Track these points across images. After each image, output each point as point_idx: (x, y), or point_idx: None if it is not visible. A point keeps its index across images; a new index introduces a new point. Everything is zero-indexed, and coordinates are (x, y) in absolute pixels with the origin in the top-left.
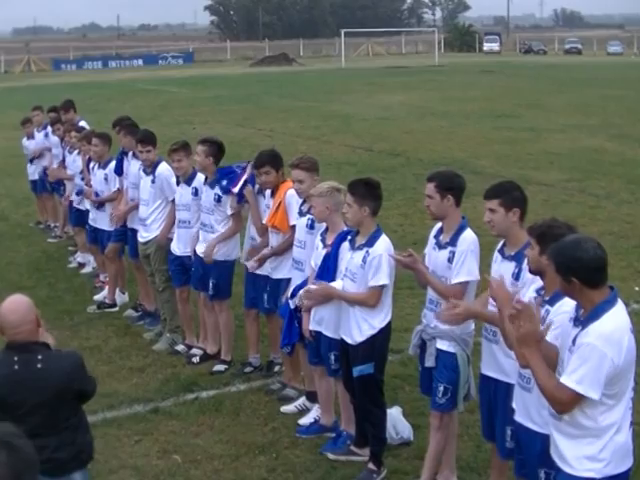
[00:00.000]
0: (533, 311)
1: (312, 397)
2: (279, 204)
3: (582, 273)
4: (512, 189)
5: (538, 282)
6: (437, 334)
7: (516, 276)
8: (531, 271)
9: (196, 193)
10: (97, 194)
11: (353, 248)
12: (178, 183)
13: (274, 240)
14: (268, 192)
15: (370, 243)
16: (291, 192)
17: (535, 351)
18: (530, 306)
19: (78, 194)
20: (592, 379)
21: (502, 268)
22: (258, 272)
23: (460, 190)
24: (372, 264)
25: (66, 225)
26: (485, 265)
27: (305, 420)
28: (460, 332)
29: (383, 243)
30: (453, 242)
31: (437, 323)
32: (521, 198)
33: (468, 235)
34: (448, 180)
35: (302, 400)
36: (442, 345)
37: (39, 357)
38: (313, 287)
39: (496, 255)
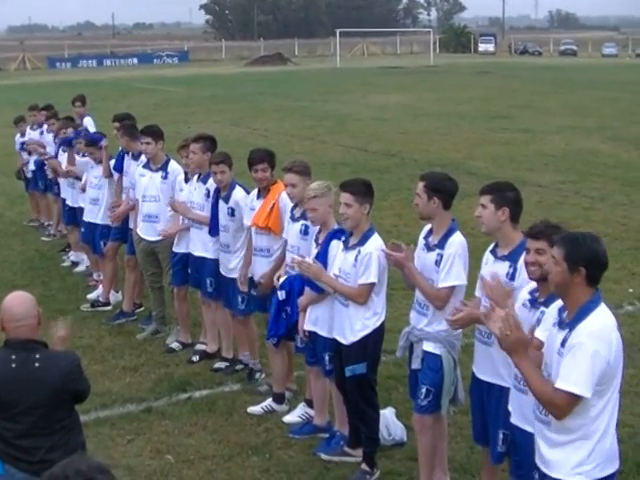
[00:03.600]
0: (517, 318)
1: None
2: (273, 205)
3: (592, 266)
4: (506, 188)
5: (532, 284)
6: (424, 336)
7: (511, 276)
8: (541, 277)
9: (209, 194)
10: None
11: (347, 248)
12: (187, 180)
13: (260, 241)
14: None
15: (362, 242)
16: (285, 195)
17: (524, 358)
18: (514, 314)
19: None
20: (585, 378)
21: (495, 269)
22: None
23: (448, 194)
24: (363, 262)
25: (60, 224)
26: (480, 267)
27: (290, 418)
28: (446, 334)
29: (375, 242)
30: (441, 245)
31: (423, 326)
32: (513, 199)
33: (456, 239)
34: (437, 182)
35: (269, 401)
36: (428, 347)
37: (37, 356)
38: (309, 261)
39: (487, 256)
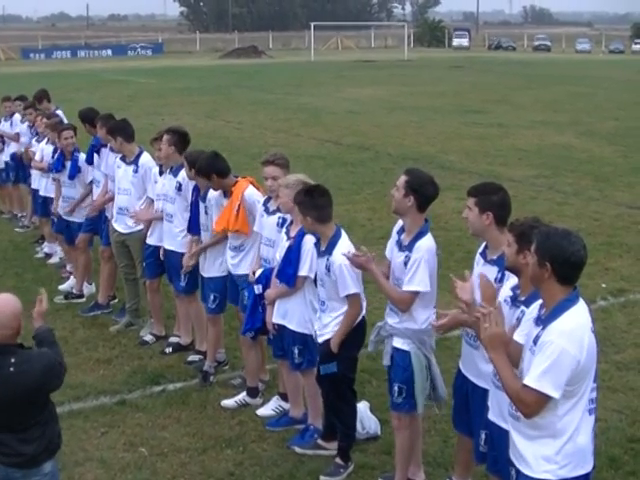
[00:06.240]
0: (500, 314)
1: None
2: (238, 207)
3: (558, 262)
4: (491, 192)
5: (513, 279)
6: (394, 331)
7: (499, 280)
8: (507, 268)
9: (180, 187)
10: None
11: (319, 253)
12: (161, 173)
13: (232, 240)
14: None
15: (329, 250)
16: (249, 192)
17: (501, 353)
18: (497, 309)
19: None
20: (554, 377)
21: (484, 272)
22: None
23: (425, 197)
24: (335, 274)
25: (33, 215)
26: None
27: (264, 411)
28: (416, 330)
29: (341, 249)
30: (410, 247)
31: (394, 323)
32: (497, 203)
33: (424, 243)
34: (419, 182)
35: (242, 395)
36: (397, 343)
37: (12, 360)
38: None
39: (478, 257)
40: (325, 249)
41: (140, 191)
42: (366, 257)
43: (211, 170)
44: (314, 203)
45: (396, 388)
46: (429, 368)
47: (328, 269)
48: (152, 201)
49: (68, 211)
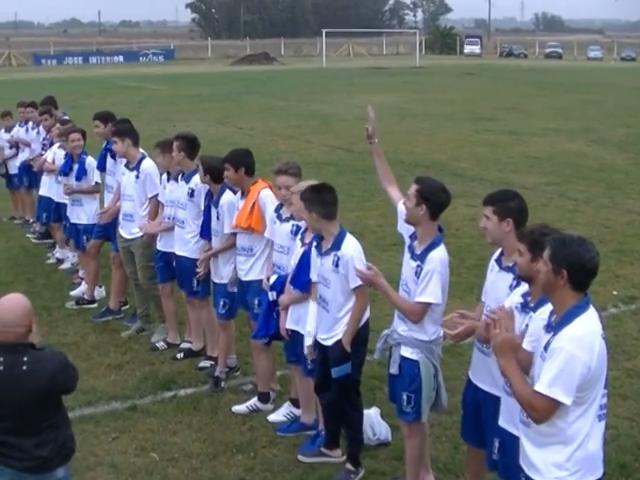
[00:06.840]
0: (509, 320)
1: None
2: (253, 205)
3: (575, 269)
4: (508, 198)
5: (524, 286)
6: (402, 340)
7: (514, 287)
8: (520, 277)
9: (192, 194)
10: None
11: (321, 254)
12: (169, 180)
13: (242, 240)
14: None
15: (337, 246)
16: (265, 193)
17: (511, 359)
18: (507, 315)
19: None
20: (565, 383)
21: (499, 278)
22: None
23: (437, 205)
24: (347, 267)
25: (36, 221)
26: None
27: (275, 417)
28: (425, 339)
29: (350, 244)
30: (422, 257)
31: (402, 331)
32: (516, 209)
33: (437, 254)
34: (430, 190)
35: (254, 400)
36: (405, 352)
37: (24, 359)
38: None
39: (492, 264)
40: (332, 246)
41: (142, 197)
42: (374, 272)
43: (242, 163)
44: (321, 199)
45: (404, 397)
46: (436, 377)
47: (336, 264)
48: (160, 205)
49: (66, 193)
